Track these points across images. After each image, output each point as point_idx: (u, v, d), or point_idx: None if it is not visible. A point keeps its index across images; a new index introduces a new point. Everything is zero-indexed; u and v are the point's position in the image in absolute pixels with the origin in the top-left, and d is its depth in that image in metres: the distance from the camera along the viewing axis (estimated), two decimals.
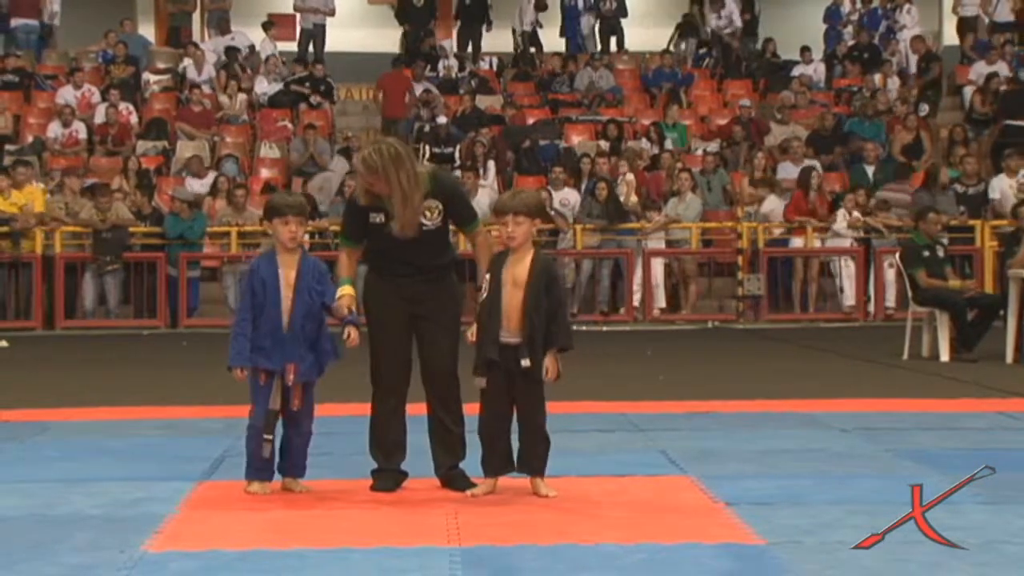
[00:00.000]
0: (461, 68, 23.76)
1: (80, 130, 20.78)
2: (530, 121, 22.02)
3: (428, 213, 6.52)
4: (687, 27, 25.14)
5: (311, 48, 24.17)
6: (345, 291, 6.51)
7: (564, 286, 6.58)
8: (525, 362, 6.28)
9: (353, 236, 6.64)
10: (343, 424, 7.88)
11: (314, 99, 22.28)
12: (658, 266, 18.31)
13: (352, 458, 6.98)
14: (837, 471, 7.04)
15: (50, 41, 24.30)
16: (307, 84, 22.59)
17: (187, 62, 22.84)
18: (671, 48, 24.82)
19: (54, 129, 20.78)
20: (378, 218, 6.53)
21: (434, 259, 6.58)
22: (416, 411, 6.67)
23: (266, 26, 24.07)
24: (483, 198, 18.43)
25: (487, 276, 6.41)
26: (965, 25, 24.62)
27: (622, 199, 18.66)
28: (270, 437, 6.40)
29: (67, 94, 21.60)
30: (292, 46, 24.51)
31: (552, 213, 17.98)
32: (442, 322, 6.55)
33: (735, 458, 7.38)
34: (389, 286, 6.54)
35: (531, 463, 6.42)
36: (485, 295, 6.38)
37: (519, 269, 6.37)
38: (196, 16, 26.14)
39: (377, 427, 6.62)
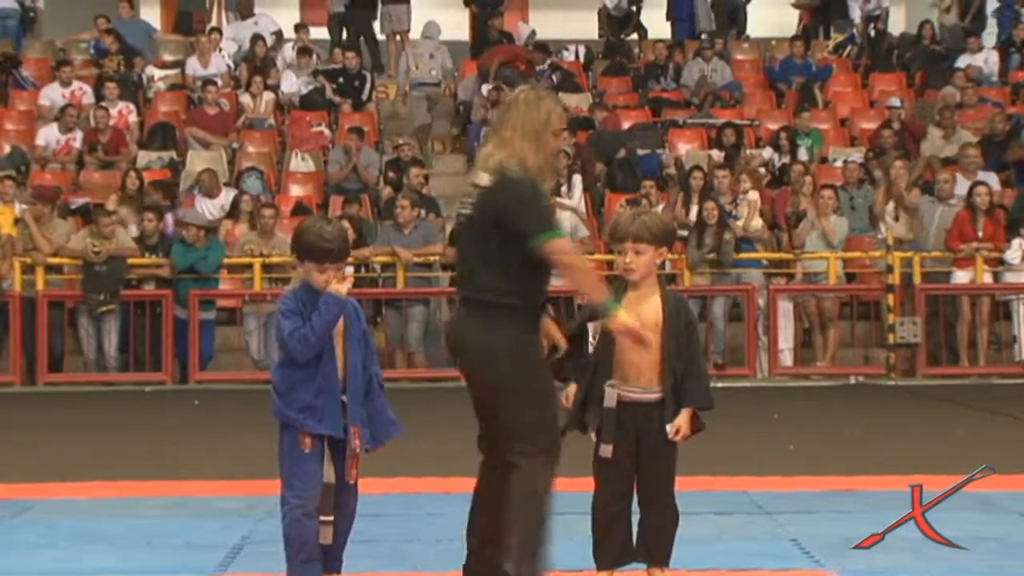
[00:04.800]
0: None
1: (77, 139, 20.74)
2: (626, 125, 22.03)
3: None
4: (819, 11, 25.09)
5: (344, 34, 24.20)
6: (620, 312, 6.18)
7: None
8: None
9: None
10: (390, 504, 7.89)
11: (328, 92, 22.28)
12: (787, 306, 18.23)
13: (404, 546, 6.97)
14: (1017, 567, 6.96)
15: (33, 29, 24.44)
16: (339, 79, 22.63)
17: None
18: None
19: (46, 135, 20.82)
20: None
21: None
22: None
23: None
24: (565, 222, 18.39)
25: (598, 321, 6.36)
26: None
27: (741, 223, 18.57)
28: (330, 519, 6.37)
29: (52, 92, 21.72)
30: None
31: None
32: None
33: (887, 549, 7.32)
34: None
35: (655, 550, 6.43)
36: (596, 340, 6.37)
37: (647, 309, 6.37)
38: None
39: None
